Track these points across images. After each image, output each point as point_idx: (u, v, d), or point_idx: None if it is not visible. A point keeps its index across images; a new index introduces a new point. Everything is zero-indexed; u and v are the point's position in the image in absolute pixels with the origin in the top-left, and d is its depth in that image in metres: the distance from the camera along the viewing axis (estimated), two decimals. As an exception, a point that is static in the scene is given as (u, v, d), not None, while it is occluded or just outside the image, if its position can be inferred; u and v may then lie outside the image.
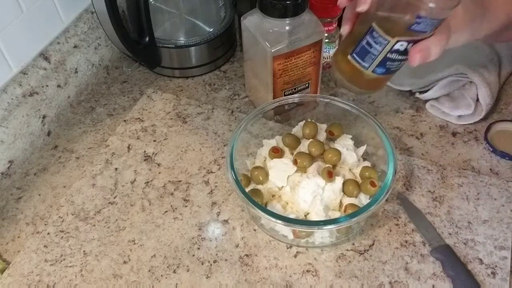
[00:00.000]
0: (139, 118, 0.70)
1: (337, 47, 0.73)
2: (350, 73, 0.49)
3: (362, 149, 0.60)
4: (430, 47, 0.44)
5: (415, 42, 0.45)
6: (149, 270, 0.54)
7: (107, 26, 0.64)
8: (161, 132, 0.68)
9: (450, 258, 0.52)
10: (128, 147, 0.66)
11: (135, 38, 0.69)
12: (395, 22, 0.44)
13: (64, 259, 0.55)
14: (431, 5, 0.41)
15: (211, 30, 0.74)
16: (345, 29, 0.49)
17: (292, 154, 0.59)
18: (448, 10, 0.42)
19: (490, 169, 0.62)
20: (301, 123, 0.61)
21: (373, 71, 0.48)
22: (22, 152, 0.65)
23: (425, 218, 0.56)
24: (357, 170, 0.58)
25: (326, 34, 0.69)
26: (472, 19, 0.48)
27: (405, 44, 0.44)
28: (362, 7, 0.45)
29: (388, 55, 0.46)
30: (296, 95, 0.64)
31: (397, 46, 0.45)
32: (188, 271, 0.53)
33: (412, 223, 0.56)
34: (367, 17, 0.46)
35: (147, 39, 0.70)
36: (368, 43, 0.46)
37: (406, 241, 0.55)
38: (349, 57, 0.48)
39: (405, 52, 0.45)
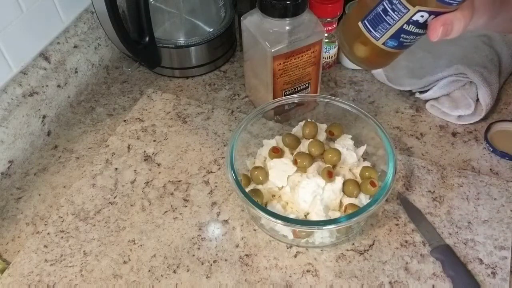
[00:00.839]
0: (139, 118, 0.70)
1: (337, 46, 0.73)
2: (357, 42, 0.44)
3: (362, 149, 0.60)
4: (453, 22, 0.40)
5: (437, 14, 0.39)
6: (149, 270, 0.54)
7: (107, 26, 0.64)
8: (161, 132, 0.68)
9: (450, 258, 0.52)
10: (128, 147, 0.66)
11: (135, 38, 0.69)
12: None
13: (64, 259, 0.55)
14: None
15: (211, 30, 0.74)
16: None
17: (292, 154, 0.59)
18: None
19: (490, 169, 0.62)
20: (301, 123, 0.61)
21: (384, 43, 0.43)
22: (22, 152, 0.65)
23: (425, 218, 0.56)
24: (357, 170, 0.58)
25: (326, 34, 0.69)
26: (493, 1, 0.46)
27: (426, 15, 0.39)
28: None
29: (404, 26, 0.41)
30: (296, 95, 0.64)
31: (416, 17, 0.40)
32: (188, 271, 0.53)
33: (412, 223, 0.56)
34: None
35: (147, 39, 0.70)
36: (384, 10, 0.41)
37: (406, 241, 0.55)
38: (359, 23, 0.43)
39: (423, 26, 0.40)
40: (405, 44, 0.43)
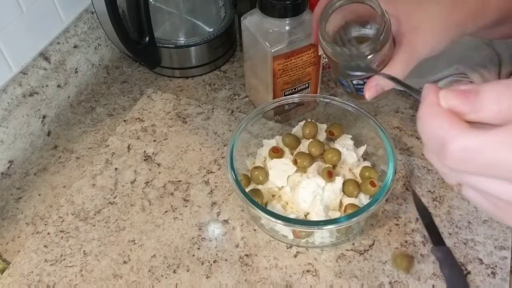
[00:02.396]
0: (139, 118, 0.70)
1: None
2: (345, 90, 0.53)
3: (362, 149, 0.60)
4: (378, 82, 0.45)
5: (368, 77, 0.46)
6: (149, 270, 0.54)
7: (107, 26, 0.64)
8: (161, 132, 0.68)
9: (449, 258, 0.52)
10: (128, 147, 0.66)
11: (135, 38, 0.69)
12: (337, 71, 0.47)
13: (64, 259, 0.55)
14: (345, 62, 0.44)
15: (211, 30, 0.74)
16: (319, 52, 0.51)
17: (292, 154, 0.59)
18: (371, 60, 0.43)
19: (490, 169, 0.61)
20: (301, 123, 0.61)
21: (357, 93, 0.50)
22: (22, 152, 0.65)
23: (432, 218, 0.56)
24: (357, 170, 0.58)
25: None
26: (448, 26, 0.47)
27: (360, 81, 0.47)
28: (319, 53, 0.49)
29: (356, 86, 0.49)
30: (296, 95, 0.64)
31: (355, 83, 0.48)
32: (188, 271, 0.53)
33: (419, 218, 0.56)
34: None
35: (147, 39, 0.70)
36: (338, 79, 0.51)
37: (406, 241, 0.55)
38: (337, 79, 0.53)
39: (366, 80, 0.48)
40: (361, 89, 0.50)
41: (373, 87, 0.45)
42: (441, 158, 0.27)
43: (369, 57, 0.43)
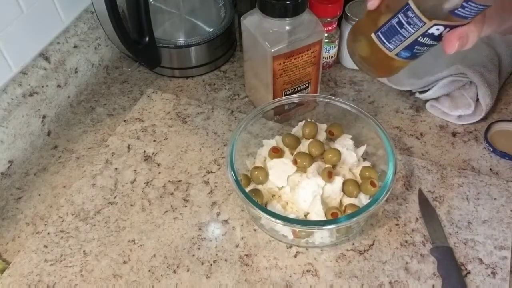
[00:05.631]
0: (139, 118, 0.70)
1: (337, 46, 0.73)
2: (368, 52, 0.45)
3: (362, 149, 0.60)
4: (468, 34, 0.41)
5: (452, 27, 0.40)
6: (149, 270, 0.54)
7: (107, 26, 0.64)
8: (161, 132, 0.68)
9: (447, 259, 0.52)
10: (128, 147, 0.66)
11: (135, 38, 0.69)
12: (437, 2, 0.38)
13: (64, 259, 0.55)
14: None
15: (211, 30, 0.74)
16: (373, 3, 0.43)
17: (292, 154, 0.59)
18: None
19: (490, 169, 0.62)
20: (301, 123, 0.61)
21: (397, 54, 0.43)
22: (22, 152, 0.65)
23: (437, 217, 0.56)
24: (357, 170, 0.58)
25: (326, 34, 0.69)
26: (503, 7, 0.46)
27: (441, 28, 0.39)
28: (370, 5, 0.42)
29: (419, 38, 0.41)
30: (296, 95, 0.64)
31: (432, 30, 0.40)
32: (188, 271, 0.53)
33: (422, 218, 0.56)
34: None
35: (147, 39, 0.70)
36: (399, 23, 0.41)
37: (406, 241, 0.55)
38: (372, 35, 0.43)
39: (438, 38, 0.41)
40: (418, 54, 0.43)
41: (462, 39, 0.40)
42: None
43: None
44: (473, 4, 0.37)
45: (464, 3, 0.37)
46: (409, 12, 0.39)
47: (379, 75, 0.47)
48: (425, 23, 0.39)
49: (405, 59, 0.43)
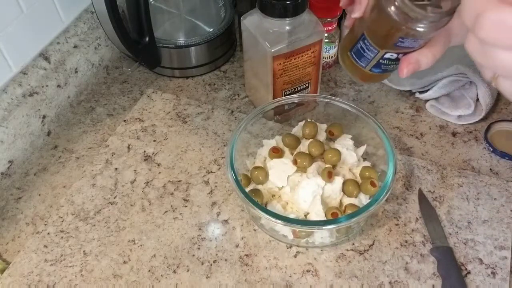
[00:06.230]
0: (139, 118, 0.70)
1: (337, 46, 0.73)
2: (350, 66, 0.49)
3: (362, 149, 0.60)
4: (419, 59, 0.44)
5: (405, 53, 0.44)
6: (149, 270, 0.54)
7: (107, 26, 0.64)
8: (161, 132, 0.68)
9: (447, 259, 0.52)
10: (128, 147, 0.66)
11: (135, 38, 0.69)
12: (382, 36, 0.43)
13: (64, 259, 0.55)
14: (418, 29, 0.40)
15: (211, 30, 0.74)
16: (346, 26, 0.49)
17: (292, 154, 0.59)
18: (435, 32, 0.41)
19: (490, 169, 0.62)
20: (301, 123, 0.61)
21: (370, 70, 0.47)
22: (22, 152, 0.65)
23: (437, 217, 0.56)
24: (357, 170, 0.58)
25: (326, 34, 0.69)
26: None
27: (394, 55, 0.44)
28: (354, 15, 0.46)
29: (380, 61, 0.46)
30: (296, 95, 0.64)
31: (387, 56, 0.45)
32: (188, 271, 0.53)
33: (422, 218, 0.56)
34: (361, 23, 0.46)
35: (147, 39, 0.70)
36: (361, 47, 0.46)
37: (406, 241, 0.55)
38: (348, 53, 0.48)
39: (397, 60, 0.45)
40: (389, 70, 0.47)
41: (412, 64, 0.43)
42: (476, 29, 0.29)
43: (438, 32, 0.40)
44: (408, 40, 0.41)
45: (400, 39, 0.42)
46: (365, 41, 0.45)
47: (367, 83, 0.51)
48: (378, 51, 0.44)
49: (378, 73, 0.47)
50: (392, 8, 0.40)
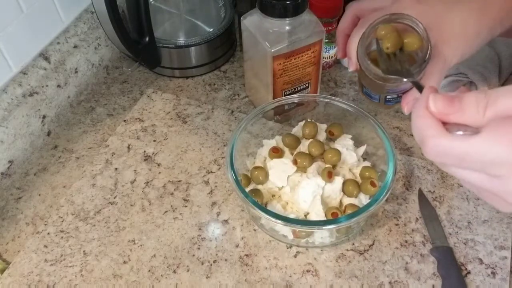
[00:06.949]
0: (139, 118, 0.70)
1: (337, 46, 0.73)
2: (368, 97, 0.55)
3: (362, 149, 0.60)
4: (416, 96, 0.46)
5: (404, 92, 0.47)
6: (149, 270, 0.54)
7: (107, 26, 0.64)
8: (161, 132, 0.68)
9: (447, 259, 0.52)
10: (128, 147, 0.66)
11: (135, 38, 0.69)
12: (375, 88, 0.49)
13: (64, 259, 0.55)
14: (398, 85, 0.45)
15: (211, 30, 0.74)
16: (351, 69, 0.51)
17: (292, 154, 0.59)
18: (417, 78, 0.43)
19: (490, 169, 0.61)
20: (301, 123, 0.61)
21: (384, 102, 0.52)
22: (22, 152, 0.65)
23: (437, 217, 0.56)
24: (357, 170, 0.58)
25: (326, 34, 0.69)
26: (480, 30, 0.46)
27: (394, 95, 0.48)
28: (350, 69, 0.51)
29: (386, 98, 0.51)
30: (296, 95, 0.64)
31: (389, 97, 0.50)
32: (188, 271, 0.53)
33: (422, 218, 0.56)
34: (360, 74, 0.50)
35: (147, 39, 0.70)
36: (367, 93, 0.52)
37: (406, 241, 0.55)
38: (362, 92, 0.54)
39: (402, 93, 0.48)
40: (400, 100, 0.49)
41: (411, 102, 0.46)
42: (423, 151, 0.34)
43: (415, 76, 0.43)
44: (396, 88, 0.47)
45: (389, 90, 0.47)
46: (367, 89, 0.51)
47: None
48: (380, 96, 0.51)
49: (392, 103, 0.52)
50: (369, 75, 0.45)
